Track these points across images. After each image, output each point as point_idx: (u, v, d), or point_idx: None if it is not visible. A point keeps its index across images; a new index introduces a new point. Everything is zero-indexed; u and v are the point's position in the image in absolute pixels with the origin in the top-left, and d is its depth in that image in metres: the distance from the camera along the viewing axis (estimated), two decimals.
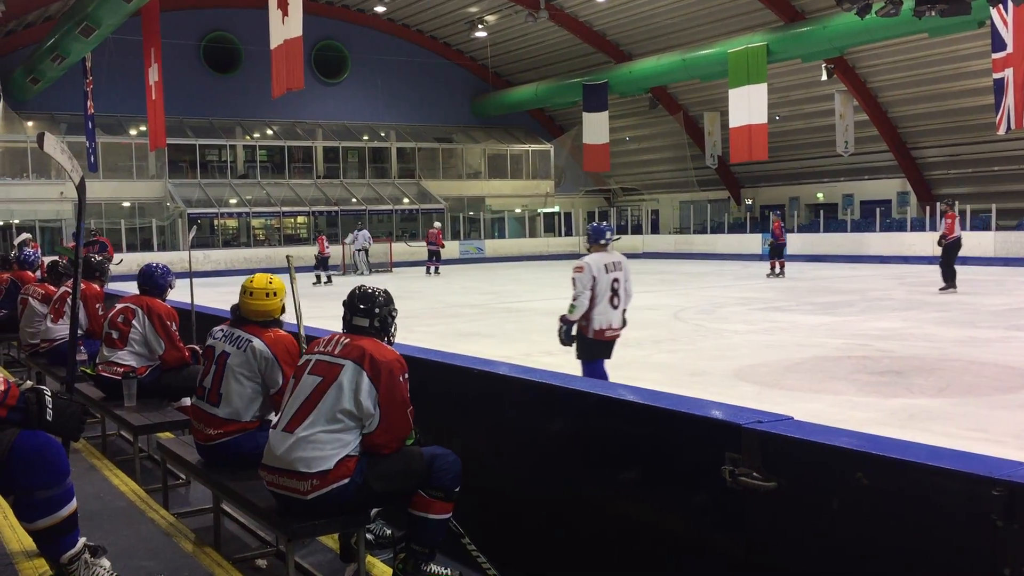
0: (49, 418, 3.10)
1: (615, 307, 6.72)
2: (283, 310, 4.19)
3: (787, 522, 2.57)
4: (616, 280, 6.71)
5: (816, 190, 33.11)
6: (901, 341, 10.85)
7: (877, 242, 28.11)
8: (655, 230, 37.98)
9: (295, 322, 4.52)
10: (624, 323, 6.89)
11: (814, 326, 12.46)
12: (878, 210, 29.50)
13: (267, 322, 4.09)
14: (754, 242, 30.87)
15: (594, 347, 6.72)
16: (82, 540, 3.21)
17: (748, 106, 25.36)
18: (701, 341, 11.57)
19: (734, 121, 25.98)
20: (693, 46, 29.12)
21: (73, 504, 3.14)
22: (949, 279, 16.40)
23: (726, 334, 12.03)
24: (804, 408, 6.79)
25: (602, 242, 6.87)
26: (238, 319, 4.11)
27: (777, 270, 21.53)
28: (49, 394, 3.16)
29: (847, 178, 31.89)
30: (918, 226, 28.08)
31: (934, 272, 16.87)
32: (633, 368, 9.43)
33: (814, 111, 30.51)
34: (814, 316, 13.47)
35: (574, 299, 6.63)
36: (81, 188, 3.56)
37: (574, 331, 6.70)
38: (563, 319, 6.71)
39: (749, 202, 35.78)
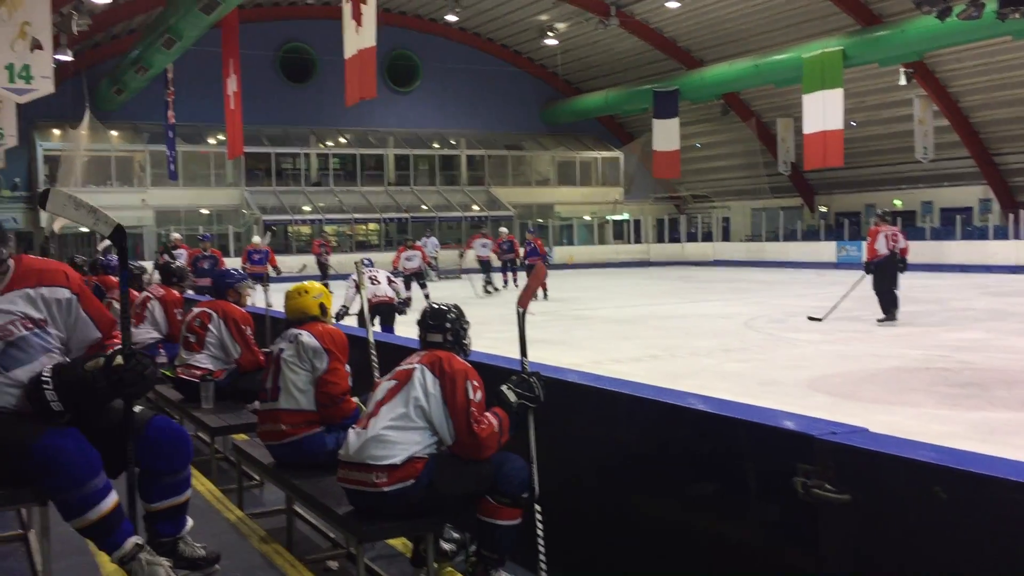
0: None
1: (375, 284, 10.57)
2: (323, 310, 4.43)
3: (861, 536, 2.52)
4: (372, 276, 10.67)
5: (893, 197, 32.32)
6: (983, 352, 10.52)
7: (958, 250, 27.29)
8: (726, 237, 37.49)
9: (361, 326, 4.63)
10: (391, 294, 10.75)
11: (891, 336, 12.15)
12: (959, 218, 28.65)
13: (305, 319, 4.33)
14: (829, 250, 30.26)
15: (370, 311, 9.79)
16: (191, 522, 3.46)
17: (823, 112, 24.90)
18: (773, 350, 11.39)
19: (808, 127, 25.53)
20: (766, 51, 28.71)
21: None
22: (886, 307, 13.36)
23: (799, 344, 11.81)
24: (880, 420, 6.63)
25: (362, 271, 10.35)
26: (287, 323, 4.41)
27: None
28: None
29: (926, 185, 31.05)
30: (1001, 234, 27.20)
31: (1018, 281, 16.36)
32: (703, 377, 9.33)
33: (892, 116, 29.80)
34: (891, 326, 13.13)
35: (345, 300, 10.77)
36: (118, 235, 3.18)
37: (354, 309, 10.66)
38: (343, 306, 10.61)
39: (824, 209, 35.11)
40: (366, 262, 11.32)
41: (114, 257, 11.20)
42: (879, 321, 13.21)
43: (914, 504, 2.36)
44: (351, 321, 10.39)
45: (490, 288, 22.02)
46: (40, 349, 3.13)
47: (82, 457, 3.02)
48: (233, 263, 20.14)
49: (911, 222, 31.09)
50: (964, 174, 29.55)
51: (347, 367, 4.20)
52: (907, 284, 13.73)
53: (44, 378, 3.05)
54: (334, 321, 4.57)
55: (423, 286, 18.71)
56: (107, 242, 16.79)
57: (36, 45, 12.75)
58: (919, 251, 28.18)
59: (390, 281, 11.08)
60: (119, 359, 3.05)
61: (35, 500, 3.13)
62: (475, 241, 23.35)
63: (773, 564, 2.80)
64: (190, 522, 3.44)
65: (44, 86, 12.98)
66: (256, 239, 21.07)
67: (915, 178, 31.02)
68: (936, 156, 28.62)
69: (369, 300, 10.26)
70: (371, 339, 4.68)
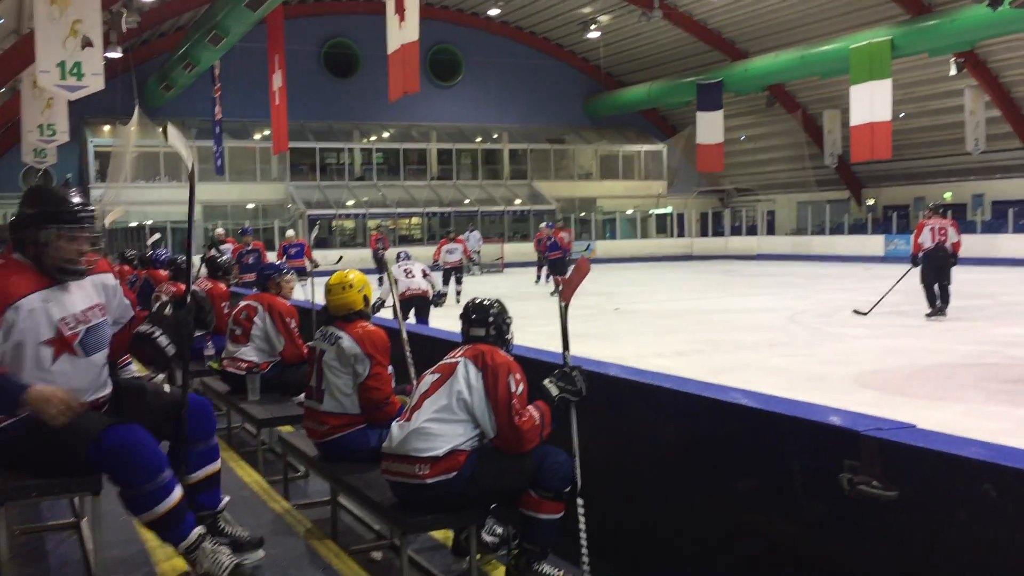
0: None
1: (409, 277, 11.25)
2: (366, 302, 4.34)
3: (908, 533, 2.49)
4: (407, 269, 11.41)
5: (943, 190, 31.67)
6: None
7: (1010, 244, 26.70)
8: (771, 231, 37.06)
9: (394, 318, 4.67)
10: (425, 287, 11.35)
11: (940, 331, 11.95)
12: (1011, 210, 28.04)
13: (349, 315, 4.25)
14: (876, 243, 29.78)
15: (404, 304, 10.43)
16: (226, 498, 3.67)
17: (871, 103, 24.48)
18: (819, 345, 11.25)
19: (855, 119, 25.10)
20: (813, 42, 28.30)
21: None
22: (932, 300, 13.18)
23: (846, 338, 11.66)
24: (929, 416, 6.52)
25: (398, 265, 11.63)
26: (327, 318, 4.34)
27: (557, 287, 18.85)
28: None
29: (977, 177, 30.42)
30: None
31: None
32: (748, 372, 9.25)
33: (942, 107, 29.23)
34: (940, 321, 12.90)
35: (381, 292, 10.87)
36: (192, 177, 3.62)
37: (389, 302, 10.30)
38: (379, 299, 10.68)
39: (871, 202, 34.57)
40: (402, 255, 12.23)
41: (163, 251, 11.41)
42: (928, 316, 12.99)
43: (963, 502, 2.32)
44: (387, 313, 10.54)
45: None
46: (106, 335, 3.37)
47: (150, 451, 3.15)
48: (272, 258, 20.17)
49: (961, 215, 30.45)
50: (1017, 166, 28.90)
51: (390, 368, 4.19)
52: (957, 278, 13.49)
53: (148, 330, 3.37)
54: (371, 314, 4.54)
55: (459, 281, 18.72)
56: (156, 235, 17.13)
57: (87, 43, 12.95)
58: (970, 244, 27.50)
59: (424, 274, 11.55)
60: (188, 297, 3.41)
61: (88, 489, 3.21)
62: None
63: (817, 561, 2.78)
64: (226, 498, 3.63)
65: (95, 83, 13.18)
66: (290, 233, 20.94)
67: (966, 170, 30.41)
68: (988, 148, 28.02)
69: (403, 293, 10.60)
70: (404, 335, 4.72)
